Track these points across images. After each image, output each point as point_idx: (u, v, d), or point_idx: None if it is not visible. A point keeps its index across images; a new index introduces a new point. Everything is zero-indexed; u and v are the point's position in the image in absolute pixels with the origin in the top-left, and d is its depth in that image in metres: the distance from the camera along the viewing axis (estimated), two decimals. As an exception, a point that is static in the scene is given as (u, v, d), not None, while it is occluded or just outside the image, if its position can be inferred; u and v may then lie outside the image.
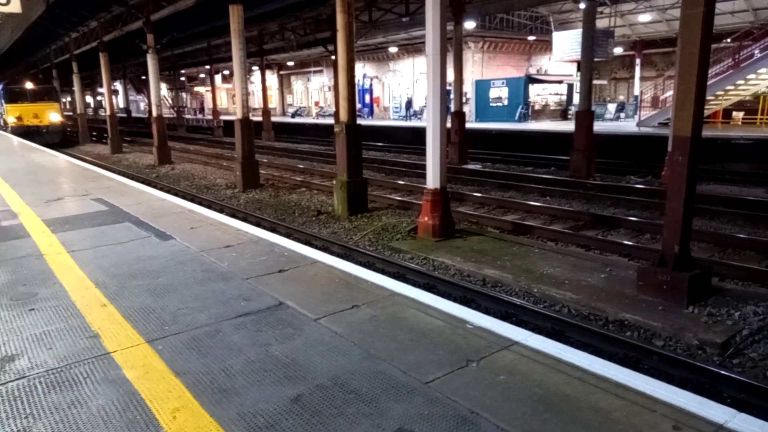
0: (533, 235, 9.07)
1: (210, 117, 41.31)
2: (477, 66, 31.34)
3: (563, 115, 31.42)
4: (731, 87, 20.06)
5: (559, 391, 2.75)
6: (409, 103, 33.91)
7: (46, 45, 33.69)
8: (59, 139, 28.84)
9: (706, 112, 20.03)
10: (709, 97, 18.29)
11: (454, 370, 2.97)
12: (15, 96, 28.60)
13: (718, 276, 6.69)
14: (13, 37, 28.59)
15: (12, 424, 2.54)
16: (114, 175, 11.69)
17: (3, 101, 28.97)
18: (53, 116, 29.06)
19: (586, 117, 14.68)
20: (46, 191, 9.24)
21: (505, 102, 29.69)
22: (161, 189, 12.35)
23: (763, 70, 18.99)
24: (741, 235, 8.35)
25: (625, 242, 8.31)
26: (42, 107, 28.66)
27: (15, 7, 11.14)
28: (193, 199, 12.34)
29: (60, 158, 15.13)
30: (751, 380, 4.34)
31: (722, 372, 4.49)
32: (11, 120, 28.06)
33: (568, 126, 20.80)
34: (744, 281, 6.69)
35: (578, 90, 17.38)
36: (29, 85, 29.21)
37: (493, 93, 30.31)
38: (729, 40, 22.76)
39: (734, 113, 24.29)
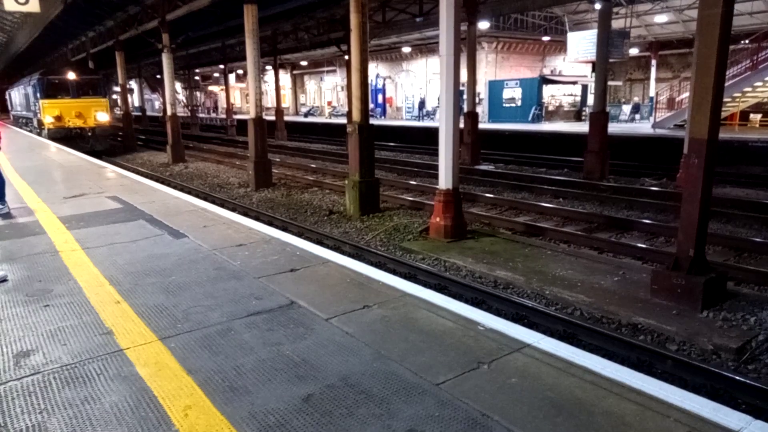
0: (546, 237, 9.02)
1: (223, 116, 41.58)
2: (490, 66, 31.23)
3: (577, 116, 31.21)
4: (749, 89, 19.79)
5: (571, 394, 2.72)
6: (421, 103, 33.88)
7: (63, 44, 34.12)
8: (107, 144, 23.65)
9: (723, 114, 19.78)
10: (726, 99, 18.08)
11: (465, 372, 2.96)
12: (54, 89, 22.64)
13: (734, 280, 6.60)
14: (31, 36, 28.75)
15: (27, 419, 2.57)
16: (128, 173, 11.80)
17: (38, 96, 22.92)
18: (101, 116, 23.11)
19: (600, 118, 14.56)
20: (62, 188, 9.35)
21: (519, 103, 29.55)
22: (175, 187, 12.44)
23: (781, 72, 18.72)
24: (757, 239, 8.23)
25: (639, 245, 8.23)
26: (87, 104, 22.98)
27: (34, 6, 11.29)
28: (206, 198, 12.42)
29: (75, 156, 15.30)
30: (767, 386, 4.28)
31: (737, 378, 4.43)
32: (48, 120, 22.18)
33: (582, 127, 20.65)
34: (760, 286, 6.59)
35: (593, 91, 17.23)
36: (71, 76, 22.92)
37: (507, 93, 30.17)
38: (747, 42, 22.47)
39: (752, 115, 23.96)
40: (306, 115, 44.15)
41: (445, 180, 8.51)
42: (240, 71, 48.17)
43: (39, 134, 24.06)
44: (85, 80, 23.49)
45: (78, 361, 3.13)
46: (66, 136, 21.96)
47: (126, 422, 2.54)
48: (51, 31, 26.88)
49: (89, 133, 22.82)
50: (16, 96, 32.39)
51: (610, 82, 23.57)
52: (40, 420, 2.57)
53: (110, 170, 12.41)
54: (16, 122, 34.48)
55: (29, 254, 5.31)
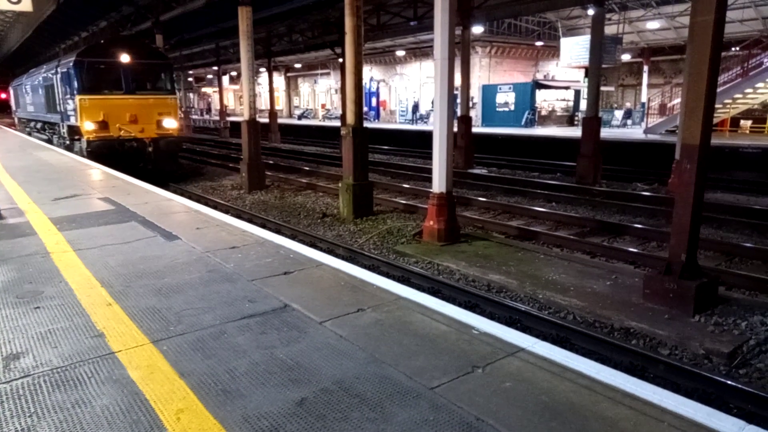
0: (538, 241, 9.04)
1: (217, 118, 41.46)
2: (484, 71, 31.35)
3: (570, 120, 31.39)
4: (740, 95, 20.01)
5: (565, 399, 2.72)
6: (415, 107, 33.97)
7: (56, 44, 33.92)
8: (174, 164, 16.43)
9: (714, 121, 19.98)
10: (717, 106, 18.25)
11: (460, 375, 2.95)
12: (97, 80, 15.13)
13: (725, 285, 6.65)
14: (24, 35, 28.54)
15: (16, 423, 2.54)
16: (120, 174, 11.71)
17: (73, 90, 15.26)
18: (168, 122, 15.84)
19: (592, 123, 14.65)
20: (53, 189, 9.27)
21: (512, 107, 29.69)
22: (167, 189, 12.37)
23: (771, 78, 18.92)
24: (748, 244, 8.30)
25: (631, 249, 8.27)
26: (147, 103, 15.60)
27: (26, 5, 11.21)
28: (199, 200, 12.37)
29: (67, 156, 15.18)
30: (758, 391, 4.30)
31: (729, 382, 4.45)
32: (88, 127, 14.80)
33: (575, 132, 20.77)
34: (751, 291, 6.64)
35: (585, 96, 17.34)
36: (125, 58, 15.22)
37: (500, 98, 30.31)
38: (738, 49, 22.70)
39: (742, 122, 24.20)
40: (300, 117, 44.17)
41: (438, 183, 8.51)
42: (234, 73, 48.07)
43: (69, 148, 16.49)
44: (146, 66, 15.88)
45: (69, 364, 3.10)
46: (115, 151, 14.92)
47: (117, 426, 2.51)
48: (44, 30, 26.75)
49: (149, 148, 15.48)
50: (28, 91, 23.57)
51: (602, 88, 23.71)
52: (29, 423, 2.53)
53: (102, 171, 12.32)
54: (24, 128, 26.63)
55: (19, 255, 5.26)
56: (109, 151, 14.76)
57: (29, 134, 24.13)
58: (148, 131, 15.55)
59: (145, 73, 15.95)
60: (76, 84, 15.07)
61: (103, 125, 14.98)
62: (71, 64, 15.19)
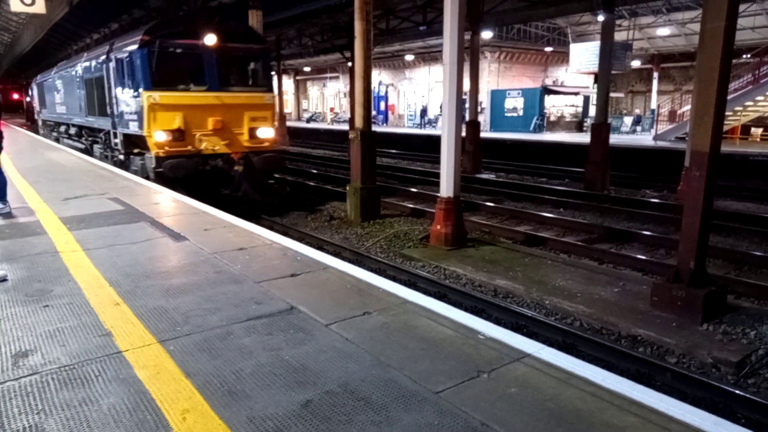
0: (546, 247, 9.01)
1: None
2: (493, 76, 31.34)
3: (578, 126, 31.28)
4: (750, 103, 19.89)
5: (571, 405, 2.71)
6: (423, 111, 34.00)
7: (68, 46, 34.19)
8: (266, 190, 12.02)
9: (725, 128, 19.85)
10: (727, 113, 18.15)
11: (465, 380, 2.94)
12: (173, 68, 10.70)
13: (734, 294, 6.60)
14: (36, 37, 28.72)
15: (24, 420, 2.56)
16: (130, 176, 11.79)
17: (140, 84, 10.55)
18: (263, 132, 11.49)
19: (601, 129, 14.60)
20: (64, 189, 9.34)
21: (521, 112, 29.64)
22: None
23: (783, 86, 18.81)
24: (758, 253, 8.23)
25: (639, 256, 8.23)
26: (237, 104, 11.12)
27: (39, 7, 11.37)
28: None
29: (76, 157, 15.30)
30: (766, 401, 4.26)
31: (737, 391, 4.41)
32: (160, 138, 10.41)
33: (584, 138, 20.69)
34: (760, 300, 6.58)
35: (594, 102, 17.29)
36: (210, 40, 10.63)
37: (509, 103, 30.27)
38: (749, 56, 22.56)
39: (753, 129, 24.03)
40: (308, 120, 44.29)
41: (446, 188, 8.51)
42: (243, 76, 48.31)
43: (123, 165, 12.21)
44: (238, 52, 11.47)
45: (76, 363, 3.12)
46: (194, 172, 10.57)
47: (123, 425, 2.53)
48: (56, 32, 26.93)
49: (238, 167, 11.04)
50: (59, 87, 18.77)
51: (611, 94, 23.63)
52: (37, 421, 2.55)
53: (111, 172, 12.40)
54: (50, 132, 22.34)
55: (29, 254, 5.30)
56: (188, 174, 10.44)
57: (57, 141, 19.77)
58: (237, 143, 11.16)
59: (237, 61, 11.48)
60: (141, 75, 10.48)
61: (178, 136, 10.55)
62: (136, 46, 10.53)
